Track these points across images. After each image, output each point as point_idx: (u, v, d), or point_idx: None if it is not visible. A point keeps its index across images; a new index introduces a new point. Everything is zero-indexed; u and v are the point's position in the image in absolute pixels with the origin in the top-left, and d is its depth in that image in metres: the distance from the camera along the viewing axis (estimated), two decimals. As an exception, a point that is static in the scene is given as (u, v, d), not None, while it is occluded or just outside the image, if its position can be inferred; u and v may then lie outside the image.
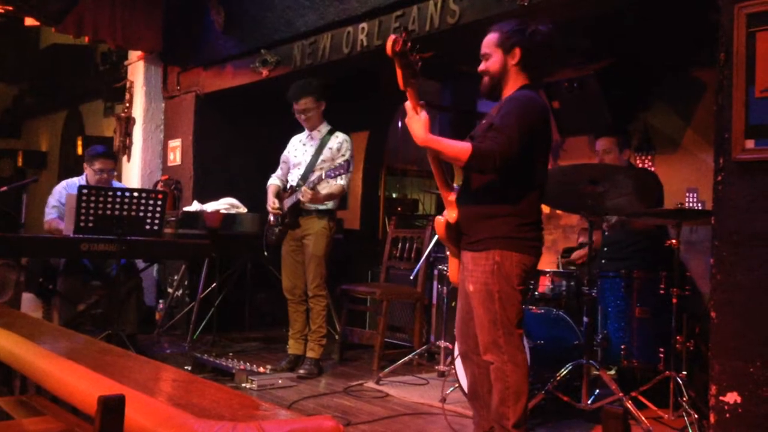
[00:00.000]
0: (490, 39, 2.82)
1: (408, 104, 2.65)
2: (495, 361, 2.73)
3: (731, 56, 2.79)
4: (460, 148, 2.60)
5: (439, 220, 2.84)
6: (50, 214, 4.92)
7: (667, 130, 5.17)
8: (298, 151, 4.67)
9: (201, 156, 6.48)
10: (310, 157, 4.56)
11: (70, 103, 10.09)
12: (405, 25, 4.46)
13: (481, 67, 2.85)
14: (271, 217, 4.64)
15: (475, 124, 7.14)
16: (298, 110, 4.56)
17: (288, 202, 4.53)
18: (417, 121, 2.63)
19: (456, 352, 3.80)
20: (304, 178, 4.49)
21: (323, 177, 4.27)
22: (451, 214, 2.81)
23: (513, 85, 2.81)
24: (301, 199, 4.38)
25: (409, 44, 2.55)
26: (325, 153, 4.52)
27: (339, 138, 4.57)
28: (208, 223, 5.54)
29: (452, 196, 2.81)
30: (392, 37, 2.53)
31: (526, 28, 2.78)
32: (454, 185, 2.84)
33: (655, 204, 3.80)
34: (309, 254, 4.52)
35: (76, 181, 5.04)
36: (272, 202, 4.61)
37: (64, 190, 4.96)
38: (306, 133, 4.69)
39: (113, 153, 5.14)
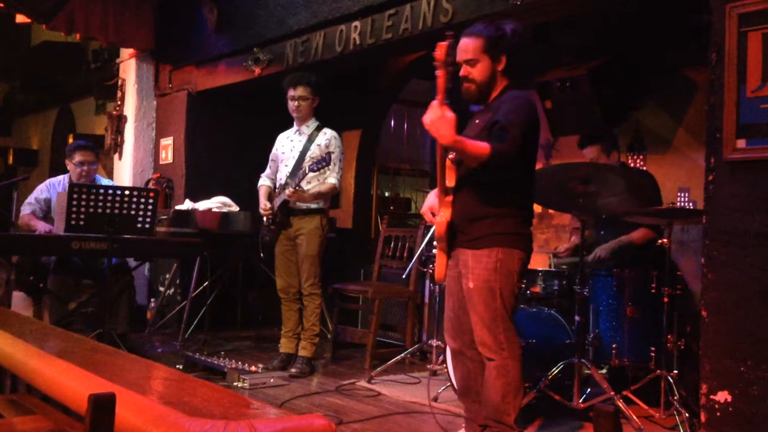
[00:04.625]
0: (475, 44, 2.83)
1: (435, 102, 2.65)
2: (496, 359, 2.75)
3: (723, 56, 2.80)
4: (481, 147, 2.65)
5: (441, 220, 2.84)
6: (24, 210, 4.90)
7: (659, 130, 5.19)
8: (286, 147, 4.66)
9: (193, 154, 6.46)
10: (298, 154, 4.55)
11: (62, 101, 10.04)
12: (400, 27, 4.46)
13: (465, 72, 2.87)
14: (265, 219, 4.64)
15: (466, 125, 7.16)
16: (294, 96, 4.53)
17: (278, 201, 4.53)
18: (447, 122, 2.61)
19: (448, 350, 3.80)
20: (292, 175, 4.48)
21: (306, 172, 4.27)
22: (446, 214, 2.84)
23: (498, 88, 2.89)
24: (287, 198, 4.39)
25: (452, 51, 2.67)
26: (313, 149, 4.51)
27: (327, 134, 4.56)
28: (200, 222, 5.53)
29: (449, 198, 2.85)
30: (443, 44, 2.62)
31: (505, 31, 2.82)
32: (448, 186, 2.88)
33: (650, 204, 3.80)
34: (302, 254, 4.51)
35: (61, 179, 5.02)
36: (263, 205, 4.61)
37: (46, 188, 4.95)
38: (293, 129, 4.67)
39: (94, 146, 5.07)
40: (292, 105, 4.57)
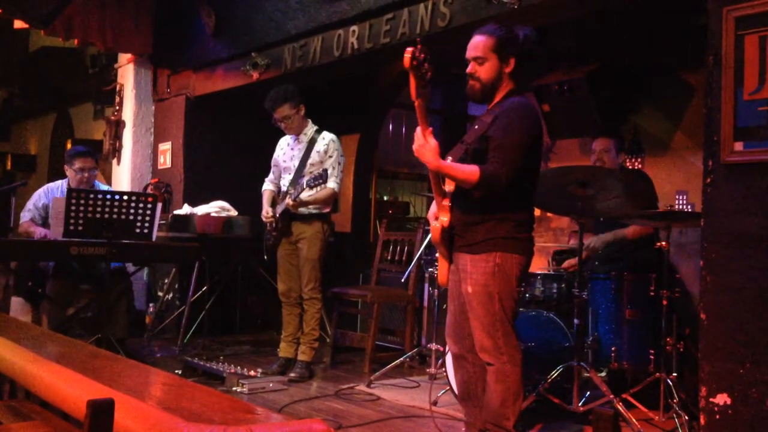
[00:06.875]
0: (485, 43, 2.82)
1: (418, 130, 2.73)
2: (495, 363, 2.75)
3: (720, 59, 2.80)
4: (469, 172, 2.70)
5: (435, 225, 2.85)
6: (24, 217, 4.90)
7: (657, 133, 5.19)
8: (287, 155, 4.66)
9: (191, 159, 6.46)
10: (299, 162, 4.56)
11: (60, 106, 10.04)
12: (398, 31, 4.47)
13: (471, 70, 2.86)
14: (268, 224, 4.65)
15: (466, 128, 7.17)
16: (278, 119, 4.56)
17: (279, 209, 4.54)
18: (429, 150, 2.72)
19: (447, 354, 3.80)
20: (293, 183, 4.49)
21: (304, 187, 4.29)
22: (443, 218, 2.82)
23: (503, 91, 2.87)
24: (288, 207, 4.42)
25: (423, 55, 2.61)
26: (313, 156, 4.52)
27: (326, 139, 4.57)
28: (199, 227, 5.53)
29: (446, 201, 2.84)
30: (410, 49, 2.60)
31: (517, 35, 2.83)
32: (446, 189, 2.87)
33: (648, 205, 3.80)
34: (303, 258, 4.52)
35: (59, 184, 5.01)
36: (266, 211, 4.62)
37: (44, 193, 4.94)
38: (293, 135, 4.68)
39: (93, 152, 5.07)
40: (280, 126, 4.60)
